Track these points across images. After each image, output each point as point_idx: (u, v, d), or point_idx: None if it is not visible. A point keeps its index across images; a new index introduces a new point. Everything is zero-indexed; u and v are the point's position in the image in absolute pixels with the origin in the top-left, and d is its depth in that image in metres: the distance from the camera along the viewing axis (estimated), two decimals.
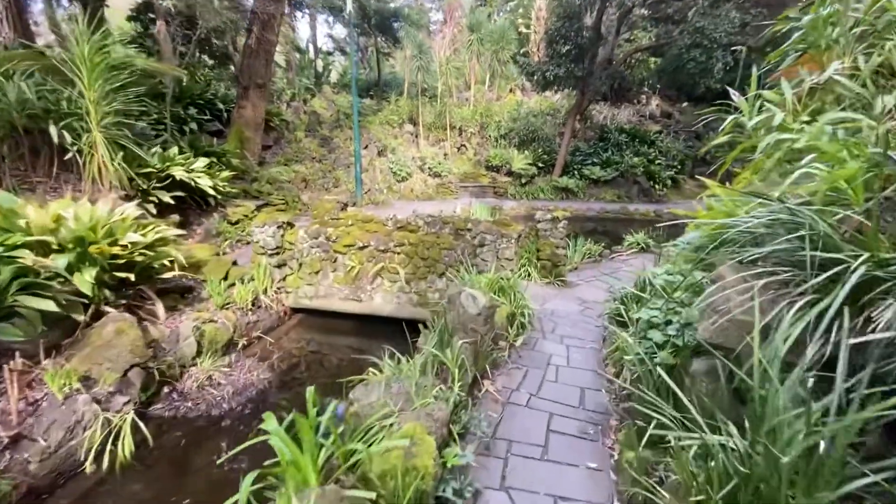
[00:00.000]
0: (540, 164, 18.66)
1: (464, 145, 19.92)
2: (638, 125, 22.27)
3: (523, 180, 18.28)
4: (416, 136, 19.30)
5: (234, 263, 7.72)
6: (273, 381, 6.03)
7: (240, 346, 6.50)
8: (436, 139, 19.67)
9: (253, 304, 7.06)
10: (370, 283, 6.73)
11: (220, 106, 13.58)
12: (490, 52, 20.85)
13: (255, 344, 6.81)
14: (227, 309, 6.68)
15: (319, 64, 23.89)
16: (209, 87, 13.99)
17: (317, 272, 6.96)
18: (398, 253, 6.62)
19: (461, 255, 6.43)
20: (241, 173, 12.62)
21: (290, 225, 7.98)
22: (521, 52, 24.91)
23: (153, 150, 8.67)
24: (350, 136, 17.52)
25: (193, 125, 12.29)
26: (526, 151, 18.79)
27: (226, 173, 10.45)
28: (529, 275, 7.90)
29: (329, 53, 26.06)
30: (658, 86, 27.58)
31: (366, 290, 6.77)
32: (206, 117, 13.19)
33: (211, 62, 17.77)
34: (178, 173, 8.30)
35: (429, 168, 17.77)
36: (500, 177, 18.45)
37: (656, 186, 18.33)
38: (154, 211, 7.81)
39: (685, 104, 26.43)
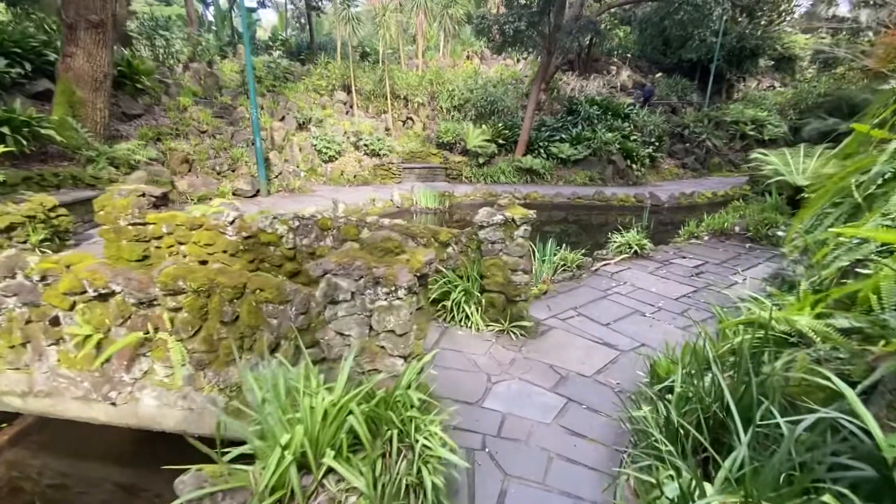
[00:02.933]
0: (500, 141, 15.13)
1: (410, 118, 16.13)
2: (609, 97, 18.98)
3: (481, 160, 14.74)
4: (351, 107, 15.37)
5: None
6: None
7: None
8: (376, 111, 15.79)
9: None
10: (126, 368, 3.13)
11: (53, 58, 9.34)
12: (440, 6, 16.94)
13: None
14: None
15: (238, 22, 19.34)
16: (30, 29, 9.61)
17: (23, 345, 3.29)
18: (177, 310, 3.00)
19: (295, 317, 2.82)
20: (73, 150, 8.55)
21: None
22: (479, 14, 21.15)
23: None
24: (261, 105, 13.46)
25: None
26: (483, 126, 15.20)
27: None
28: (468, 318, 4.42)
29: (252, 10, 21.44)
30: (629, 55, 24.40)
31: (123, 381, 3.19)
32: (20, 71, 8.96)
33: None
34: None
35: (365, 145, 13.96)
36: (454, 156, 14.84)
37: (633, 166, 15.13)
38: None
39: (658, 75, 23.31)
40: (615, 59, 24.00)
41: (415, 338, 2.68)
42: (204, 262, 4.93)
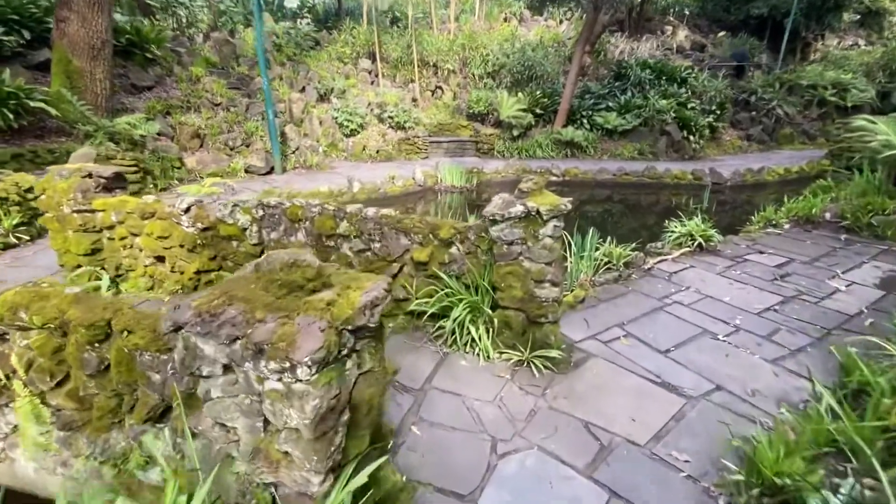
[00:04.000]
0: (538, 111, 13.50)
1: (439, 87, 14.71)
2: (664, 60, 16.68)
3: (515, 132, 13.21)
4: (376, 76, 14.13)
5: None
6: None
7: None
8: (403, 80, 14.48)
9: None
10: None
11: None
12: None
13: None
14: None
15: None
16: None
17: None
18: (26, 348, 2.04)
19: (180, 377, 1.77)
20: (70, 125, 7.88)
21: None
22: None
23: None
24: (280, 75, 12.48)
25: None
26: (520, 94, 13.58)
27: None
28: (475, 343, 3.27)
29: None
30: (686, 12, 21.55)
31: None
32: (18, 39, 8.32)
33: None
34: None
35: (390, 117, 12.76)
36: (485, 128, 13.39)
37: (691, 138, 13.12)
38: None
39: (721, 34, 20.47)
40: (671, 18, 21.27)
41: (351, 435, 1.58)
42: (161, 259, 4.02)
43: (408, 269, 3.50)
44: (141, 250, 4.12)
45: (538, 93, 13.71)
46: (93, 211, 4.06)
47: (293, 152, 10.83)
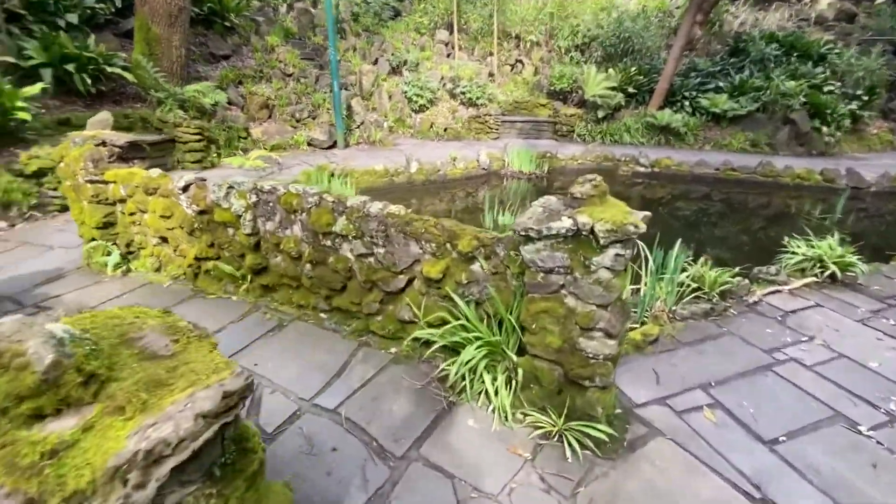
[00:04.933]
0: (630, 90, 11.72)
1: (520, 61, 13.38)
2: (798, 33, 13.73)
3: (600, 113, 11.61)
4: (453, 48, 13.16)
5: None
6: None
7: None
8: (482, 53, 13.35)
9: None
10: None
11: None
12: None
13: None
14: None
15: None
16: None
17: None
18: None
19: None
20: (145, 91, 7.99)
21: None
22: None
23: None
24: (354, 46, 12.00)
25: (73, 17, 7.72)
26: (610, 70, 11.86)
27: (34, 88, 5.82)
28: (489, 398, 2.40)
29: None
30: None
31: None
32: (109, 7, 8.54)
33: None
34: None
35: (462, 93, 11.80)
36: (567, 108, 11.94)
37: (824, 129, 10.60)
38: None
39: (879, 1, 16.49)
40: None
41: None
42: (165, 240, 3.59)
43: (419, 283, 2.69)
44: (149, 228, 3.74)
45: (633, 69, 11.88)
46: (105, 182, 3.73)
47: (358, 127, 10.36)
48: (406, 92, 11.40)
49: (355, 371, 2.68)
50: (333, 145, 9.76)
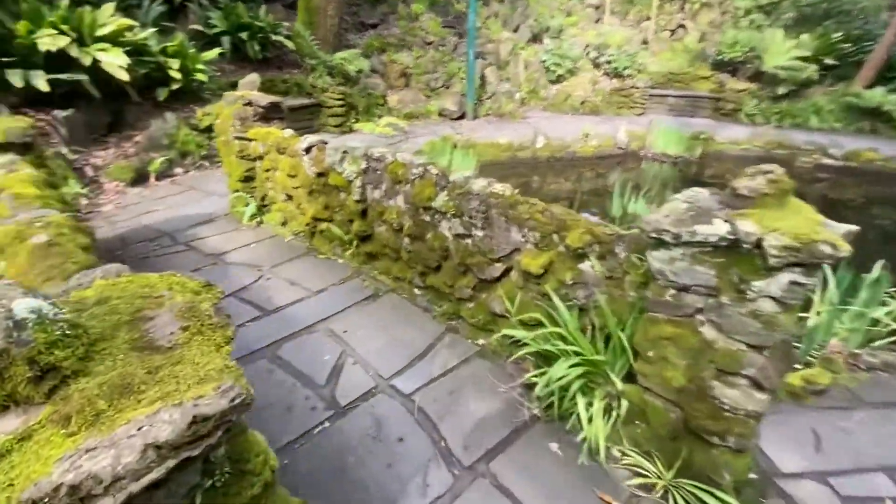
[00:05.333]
0: (828, 62, 9.22)
1: (682, 26, 11.43)
2: None
3: (781, 90, 9.39)
4: (603, 12, 11.77)
5: None
6: None
7: None
8: (637, 17, 11.73)
9: None
10: None
11: None
12: None
13: None
14: None
15: None
16: None
17: None
18: None
19: None
20: (303, 58, 8.65)
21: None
22: None
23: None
24: (496, 13, 11.47)
25: None
26: (804, 36, 9.46)
27: (212, 52, 6.60)
28: (581, 424, 1.99)
29: None
30: None
31: None
32: None
33: None
34: (48, 42, 4.71)
35: (607, 62, 10.56)
36: (735, 82, 9.91)
37: None
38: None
39: None
40: None
41: None
42: (290, 197, 3.80)
43: (516, 275, 2.35)
44: (278, 184, 3.99)
45: (836, 35, 9.30)
46: (248, 139, 4.05)
47: (489, 98, 9.99)
48: (544, 61, 10.61)
49: (439, 356, 2.50)
50: (462, 116, 9.58)
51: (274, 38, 7.97)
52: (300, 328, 2.68)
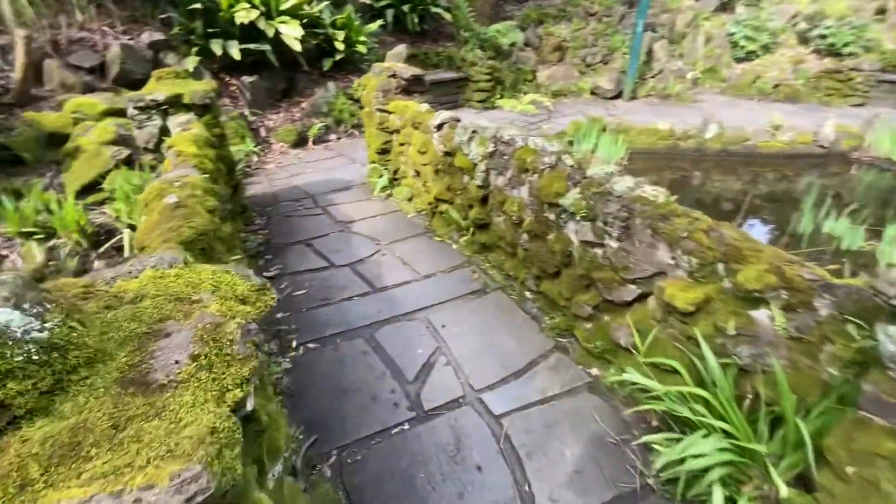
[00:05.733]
0: None
1: None
2: None
3: None
4: None
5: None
6: None
7: None
8: None
9: None
10: None
11: None
12: None
13: None
14: None
15: None
16: None
17: None
18: None
19: None
20: (458, 30, 8.53)
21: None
22: None
23: None
24: None
25: None
26: None
27: (374, 25, 6.79)
28: None
29: None
30: None
31: None
32: None
33: None
34: (243, 15, 5.30)
35: (821, 36, 8.26)
36: None
37: None
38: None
39: None
40: None
41: None
42: (418, 174, 3.74)
43: (654, 304, 1.85)
44: (409, 159, 3.94)
45: None
46: (388, 112, 4.05)
47: (654, 76, 8.68)
48: (732, 34, 8.78)
49: (539, 377, 2.15)
50: (618, 96, 8.52)
51: (433, 9, 7.96)
52: (401, 313, 2.57)
